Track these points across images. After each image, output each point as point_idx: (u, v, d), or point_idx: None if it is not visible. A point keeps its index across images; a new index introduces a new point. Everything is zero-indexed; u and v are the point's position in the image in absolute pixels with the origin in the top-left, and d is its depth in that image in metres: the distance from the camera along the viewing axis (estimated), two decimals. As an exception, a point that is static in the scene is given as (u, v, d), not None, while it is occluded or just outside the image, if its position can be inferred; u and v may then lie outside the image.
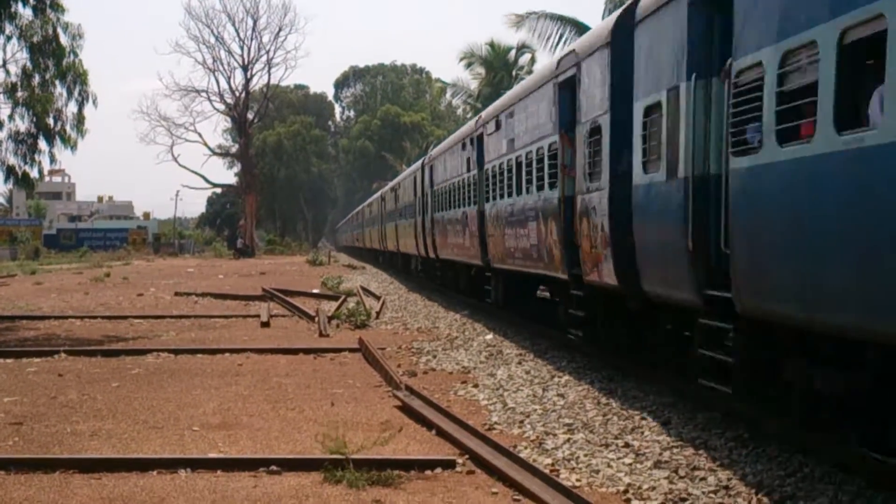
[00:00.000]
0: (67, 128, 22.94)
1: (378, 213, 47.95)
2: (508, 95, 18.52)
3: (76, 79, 22.91)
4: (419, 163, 32.33)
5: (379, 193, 50.32)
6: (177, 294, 29.18)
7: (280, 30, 78.14)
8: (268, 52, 77.27)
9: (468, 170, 21.07)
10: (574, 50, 12.85)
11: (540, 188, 14.34)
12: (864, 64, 6.22)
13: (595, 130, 11.43)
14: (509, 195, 16.67)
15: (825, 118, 6.22)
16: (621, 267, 10.57)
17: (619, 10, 11.23)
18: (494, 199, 18.01)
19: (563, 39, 34.15)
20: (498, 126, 17.87)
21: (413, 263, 34.86)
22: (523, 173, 15.44)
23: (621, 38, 10.61)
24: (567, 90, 12.89)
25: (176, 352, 15.09)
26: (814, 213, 6.52)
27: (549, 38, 34.73)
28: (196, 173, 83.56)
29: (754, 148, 7.29)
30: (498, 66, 47.00)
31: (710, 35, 8.52)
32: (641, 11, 10.07)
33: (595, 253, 11.44)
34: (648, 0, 9.86)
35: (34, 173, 23.71)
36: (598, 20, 31.07)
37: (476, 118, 21.50)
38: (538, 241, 14.48)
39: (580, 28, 33.25)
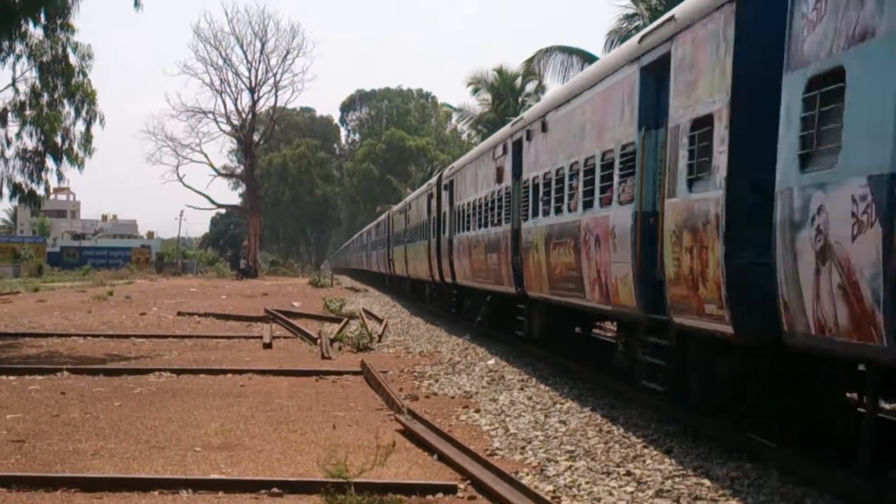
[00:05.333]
0: (75, 147, 23.06)
1: (385, 234, 46.16)
2: (556, 94, 15.94)
3: (84, 98, 23.03)
4: (434, 179, 30.10)
5: (385, 214, 48.79)
6: (179, 314, 29.18)
7: (288, 53, 78.27)
8: (275, 75, 77.51)
9: (498, 181, 18.57)
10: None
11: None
12: None
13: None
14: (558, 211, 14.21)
15: None
16: None
17: None
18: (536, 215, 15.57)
19: (569, 67, 34.55)
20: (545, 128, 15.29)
21: (427, 290, 32.33)
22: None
23: None
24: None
25: (178, 372, 15.11)
26: None
27: (563, 67, 35.19)
28: (201, 193, 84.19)
29: None
30: (504, 93, 47.20)
31: None
32: None
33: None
34: None
35: (40, 191, 23.84)
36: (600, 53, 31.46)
37: (516, 119, 18.50)
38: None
39: (586, 57, 33.55)
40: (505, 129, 19.27)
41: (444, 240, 25.57)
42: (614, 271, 11.25)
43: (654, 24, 10.85)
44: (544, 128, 15.22)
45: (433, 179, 30.48)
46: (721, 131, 8.43)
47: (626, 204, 10.89)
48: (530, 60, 38.31)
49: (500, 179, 18.43)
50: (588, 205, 12.44)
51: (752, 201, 8.02)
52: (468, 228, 22.08)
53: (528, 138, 16.31)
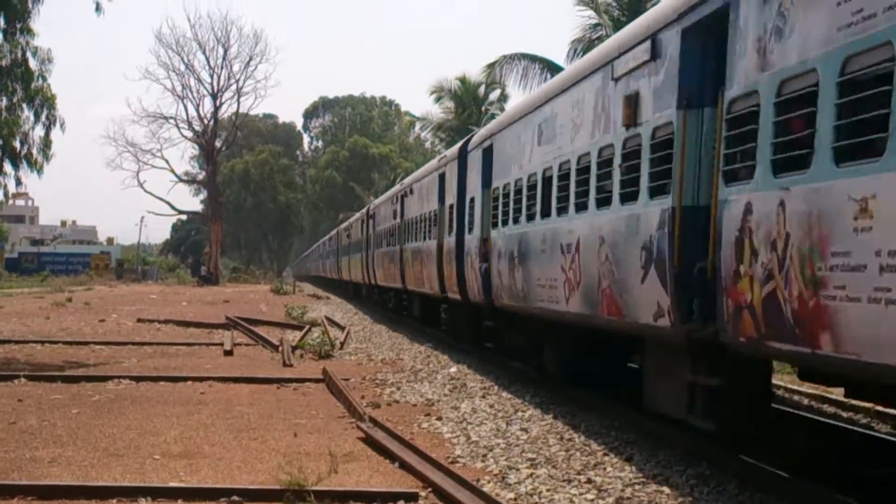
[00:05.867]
0: (34, 151, 22.72)
1: (335, 248, 56.22)
2: (418, 173, 26.88)
3: (44, 103, 22.74)
4: (364, 209, 40.16)
5: (335, 231, 57.37)
6: (139, 321, 28.91)
7: (250, 59, 77.50)
8: (237, 81, 76.88)
9: (394, 217, 28.31)
10: (445, 155, 21.46)
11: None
12: None
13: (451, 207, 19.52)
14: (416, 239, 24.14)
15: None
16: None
17: (462, 141, 20.01)
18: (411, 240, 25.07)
19: (532, 76, 34.53)
20: (412, 191, 25.71)
21: (363, 290, 41.49)
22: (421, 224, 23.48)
23: (463, 157, 18.73)
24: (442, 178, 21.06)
25: (138, 379, 14.97)
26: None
27: (524, 76, 35.01)
28: (162, 199, 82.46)
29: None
30: (468, 101, 47.20)
31: (489, 167, 16.17)
32: (469, 147, 18.45)
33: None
34: (471, 144, 18.29)
35: (-1, 196, 23.48)
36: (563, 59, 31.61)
37: (402, 181, 30.95)
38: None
39: (549, 66, 33.61)
40: (398, 187, 30.57)
41: (370, 253, 34.97)
42: (432, 273, 21.08)
43: (443, 154, 22.61)
44: (412, 191, 25.80)
45: (365, 209, 40.42)
46: (454, 212, 18.93)
47: (434, 239, 21.13)
48: (492, 65, 38.14)
49: (394, 217, 28.52)
50: (425, 237, 22.58)
51: (463, 243, 17.96)
52: (381, 246, 32.02)
53: (406, 195, 26.76)
